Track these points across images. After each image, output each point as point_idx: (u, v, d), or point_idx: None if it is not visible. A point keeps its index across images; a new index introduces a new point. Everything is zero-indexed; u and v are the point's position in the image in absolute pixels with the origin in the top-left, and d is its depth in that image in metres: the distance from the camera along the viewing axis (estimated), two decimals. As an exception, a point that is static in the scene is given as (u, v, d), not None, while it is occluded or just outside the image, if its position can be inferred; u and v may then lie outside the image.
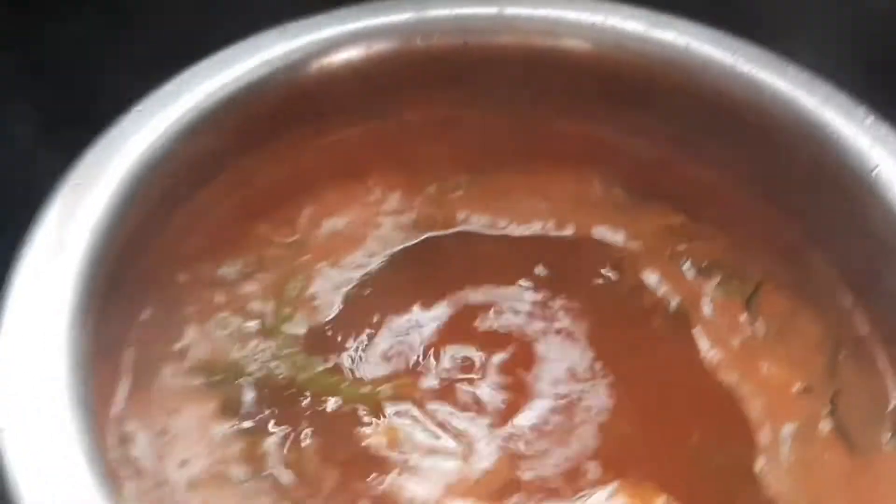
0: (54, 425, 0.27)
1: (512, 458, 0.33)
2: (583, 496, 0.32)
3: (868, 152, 0.35)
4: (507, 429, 0.34)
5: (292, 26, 0.38)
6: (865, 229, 0.35)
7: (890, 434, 0.34)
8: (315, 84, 0.38)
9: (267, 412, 0.34)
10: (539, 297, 0.38)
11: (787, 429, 0.34)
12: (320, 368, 0.35)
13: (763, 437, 0.34)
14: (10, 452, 0.27)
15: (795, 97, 0.36)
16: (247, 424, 0.33)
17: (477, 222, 0.40)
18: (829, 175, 0.36)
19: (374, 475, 0.32)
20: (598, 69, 0.40)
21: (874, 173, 0.35)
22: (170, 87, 0.35)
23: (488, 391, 0.35)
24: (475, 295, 0.38)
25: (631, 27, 0.39)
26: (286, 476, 0.32)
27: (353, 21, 0.38)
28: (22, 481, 0.26)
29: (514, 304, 0.38)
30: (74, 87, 0.42)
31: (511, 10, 0.39)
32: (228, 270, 0.37)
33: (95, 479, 0.26)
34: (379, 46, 0.39)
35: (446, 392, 0.35)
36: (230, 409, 0.33)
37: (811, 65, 0.37)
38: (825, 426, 0.34)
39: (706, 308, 0.37)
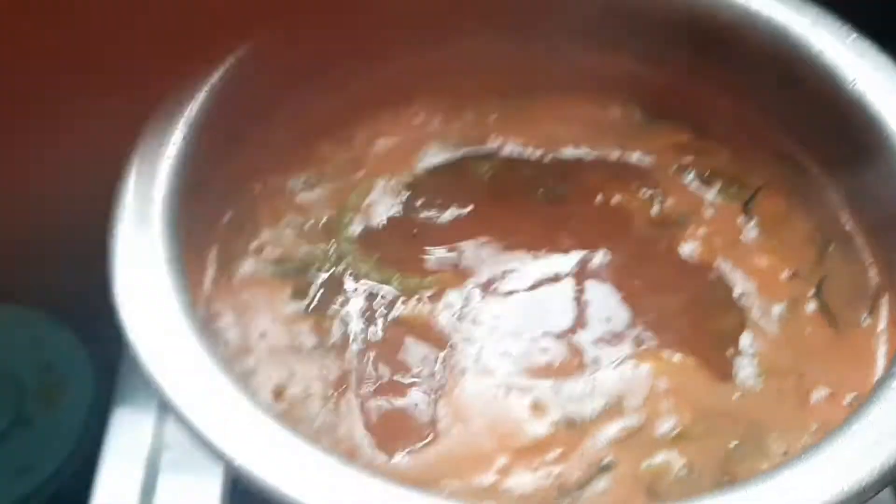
0: (159, 300, 0.33)
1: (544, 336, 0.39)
2: (614, 362, 0.38)
3: (850, 66, 0.40)
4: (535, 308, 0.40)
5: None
6: (849, 135, 0.40)
7: (867, 313, 0.39)
8: (366, 19, 0.44)
9: (331, 296, 0.40)
10: (559, 209, 0.43)
11: (776, 306, 0.39)
12: (375, 261, 0.41)
13: (753, 312, 0.39)
14: (129, 323, 0.33)
15: (788, 21, 0.41)
16: (314, 305, 0.39)
17: (508, 144, 0.46)
18: (817, 88, 0.41)
19: (418, 342, 0.38)
20: (618, 3, 0.45)
21: (855, 84, 0.39)
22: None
23: (522, 283, 0.41)
24: (505, 205, 0.44)
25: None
26: (346, 344, 0.38)
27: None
28: (140, 344, 0.32)
29: (538, 216, 0.43)
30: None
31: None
32: (295, 182, 0.43)
33: (196, 336, 0.32)
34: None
35: (486, 285, 0.41)
36: (300, 293, 0.40)
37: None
38: (810, 306, 0.40)
39: (707, 211, 0.43)
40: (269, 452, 0.30)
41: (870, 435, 0.30)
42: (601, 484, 0.35)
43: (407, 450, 0.36)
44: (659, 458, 0.36)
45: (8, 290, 0.58)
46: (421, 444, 0.36)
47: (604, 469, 0.35)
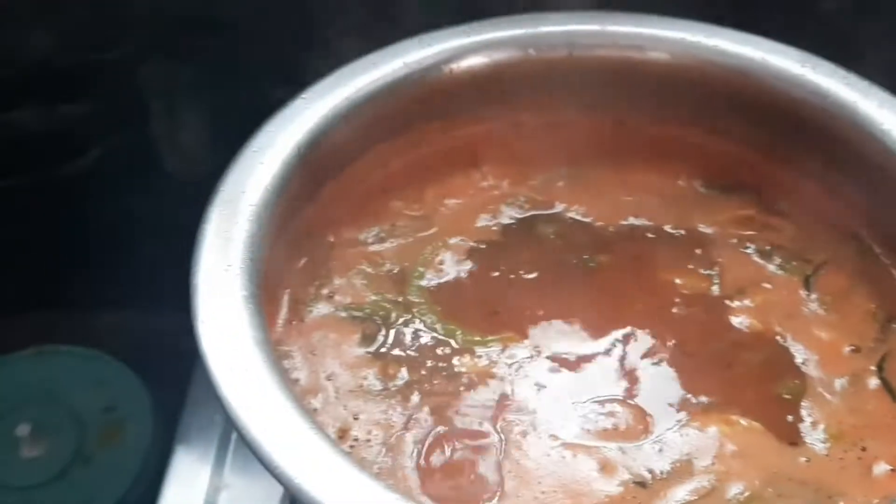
0: (237, 334, 0.35)
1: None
2: (680, 425, 0.39)
3: (917, 149, 0.41)
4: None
5: (427, 36, 0.46)
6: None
7: (931, 392, 0.39)
8: (443, 86, 0.46)
9: (397, 344, 0.41)
10: (620, 279, 0.44)
11: (838, 379, 0.40)
12: (440, 315, 0.42)
13: (815, 381, 0.40)
14: (208, 352, 0.34)
15: (854, 101, 0.42)
16: (382, 350, 0.40)
17: (574, 211, 0.47)
18: (883, 167, 0.41)
19: (469, 394, 0.39)
20: (686, 78, 0.46)
21: (920, 165, 0.40)
22: (328, 81, 0.43)
23: (583, 351, 0.41)
24: (567, 272, 0.45)
25: (713, 42, 0.45)
26: (410, 392, 0.39)
27: (478, 34, 0.46)
28: (217, 372, 0.33)
29: (599, 284, 0.44)
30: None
31: (611, 27, 0.46)
32: (367, 235, 0.45)
33: (270, 371, 0.34)
34: (498, 55, 0.46)
35: (546, 351, 0.41)
36: (368, 338, 0.41)
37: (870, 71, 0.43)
38: (872, 381, 0.40)
39: (767, 284, 0.43)
40: (337, 486, 0.30)
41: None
42: None
43: None
44: (731, 520, 0.35)
45: (75, 332, 0.61)
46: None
47: (676, 531, 0.35)
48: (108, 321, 0.63)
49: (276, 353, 0.39)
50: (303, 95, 0.43)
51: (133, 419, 0.57)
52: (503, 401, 0.39)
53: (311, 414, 0.37)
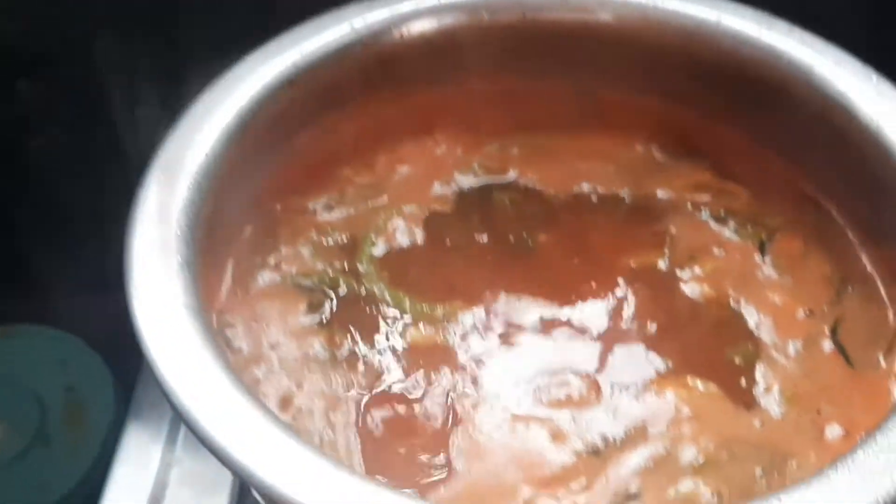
0: (173, 312, 0.33)
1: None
2: (635, 391, 0.38)
3: (873, 109, 0.40)
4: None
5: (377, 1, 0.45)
6: (869, 177, 0.40)
7: (884, 355, 0.38)
8: (393, 52, 0.45)
9: (345, 313, 0.40)
10: (574, 246, 0.43)
11: (792, 342, 0.39)
12: (390, 284, 0.41)
13: (769, 345, 0.39)
14: (139, 319, 0.33)
15: (811, 61, 0.41)
16: (327, 320, 0.40)
17: (528, 179, 0.46)
18: (838, 129, 0.41)
19: (416, 364, 0.39)
20: (641, 43, 0.45)
21: (878, 127, 0.39)
22: (272, 46, 0.42)
23: (535, 321, 0.41)
24: (522, 240, 0.44)
25: (666, 4, 0.44)
26: (356, 360, 0.38)
27: (428, -2, 0.45)
28: (148, 339, 0.33)
29: (553, 252, 0.43)
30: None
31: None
32: (316, 203, 0.44)
33: (206, 348, 0.32)
34: (450, 19, 0.45)
35: (499, 320, 0.41)
36: (314, 307, 0.40)
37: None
38: (826, 345, 0.39)
39: (721, 249, 0.43)
40: (275, 460, 0.29)
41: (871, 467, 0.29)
42: None
43: (421, 483, 0.35)
44: (685, 485, 0.35)
45: (36, 313, 0.60)
46: (435, 479, 0.35)
47: (630, 498, 0.35)
48: (69, 301, 0.62)
49: (218, 322, 0.38)
50: (246, 60, 0.42)
51: (94, 399, 0.56)
52: (452, 372, 0.38)
53: (252, 383, 0.37)
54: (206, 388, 0.30)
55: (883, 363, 0.38)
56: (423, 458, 0.36)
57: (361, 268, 0.42)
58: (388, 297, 0.41)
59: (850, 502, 0.28)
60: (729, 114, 0.45)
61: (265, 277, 0.41)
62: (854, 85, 0.40)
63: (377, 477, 0.35)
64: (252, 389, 0.36)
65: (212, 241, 0.38)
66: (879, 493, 0.28)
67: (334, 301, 0.40)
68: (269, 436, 0.30)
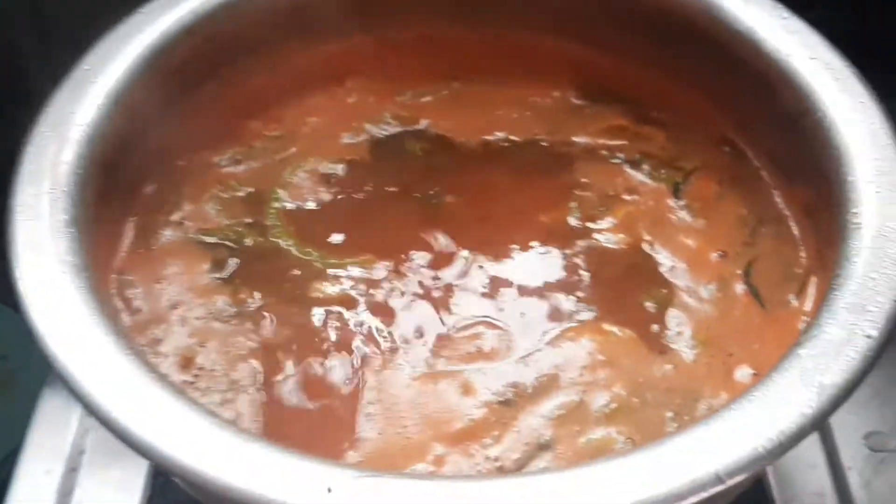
0: (55, 271, 0.32)
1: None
2: (548, 338, 0.38)
3: (782, 45, 0.39)
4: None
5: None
6: (783, 116, 0.39)
7: (796, 294, 0.38)
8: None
9: (250, 270, 0.39)
10: (487, 195, 0.43)
11: (705, 285, 0.39)
12: (297, 239, 0.40)
13: (682, 289, 0.39)
14: (20, 278, 0.32)
15: (720, 0, 0.41)
16: (232, 276, 0.39)
17: (440, 127, 0.45)
18: (751, 69, 0.40)
19: (324, 321, 0.38)
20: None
21: (789, 62, 0.39)
22: (169, -6, 0.41)
23: (447, 271, 0.40)
24: (434, 188, 0.43)
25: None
26: (261, 318, 0.37)
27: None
28: (31, 308, 0.31)
29: (464, 201, 0.42)
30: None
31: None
32: (222, 158, 0.43)
33: (88, 308, 0.31)
34: (357, -36, 0.44)
35: (410, 271, 0.40)
36: (219, 264, 0.39)
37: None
38: (739, 286, 0.39)
39: (635, 193, 0.42)
40: (155, 421, 0.28)
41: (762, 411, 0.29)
42: (541, 463, 0.34)
43: (327, 446, 0.34)
44: (598, 433, 0.35)
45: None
46: (342, 442, 0.34)
47: (543, 448, 0.34)
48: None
49: (119, 282, 0.37)
50: (142, 10, 0.40)
51: (25, 368, 0.55)
52: (360, 328, 0.38)
53: (151, 344, 0.36)
54: (89, 351, 0.29)
55: (794, 302, 0.38)
56: (330, 419, 0.35)
57: (269, 222, 0.41)
58: (296, 253, 0.40)
59: (737, 443, 0.28)
60: (645, 56, 0.44)
61: (168, 235, 0.40)
62: (763, 21, 0.40)
63: (279, 440, 0.34)
64: (148, 350, 0.35)
65: (107, 199, 0.37)
66: (772, 432, 0.28)
67: (240, 257, 0.39)
68: (151, 398, 0.29)
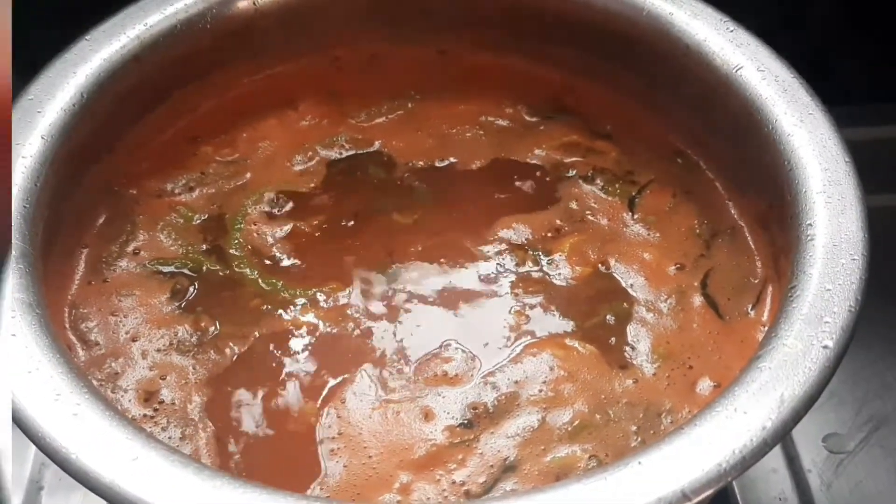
0: (3, 309, 0.31)
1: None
2: (510, 356, 0.38)
3: (730, 57, 0.40)
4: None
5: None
6: (735, 128, 0.40)
7: (753, 304, 0.39)
8: (247, 21, 0.43)
9: (209, 298, 0.39)
10: (444, 217, 0.42)
11: (664, 299, 0.39)
12: (259, 268, 0.40)
13: (642, 304, 0.39)
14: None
15: (670, 13, 0.41)
16: (190, 305, 0.38)
17: (394, 148, 0.45)
18: (701, 81, 0.41)
19: (289, 350, 0.38)
20: (504, 3, 0.44)
21: (736, 75, 0.39)
22: (116, 20, 0.40)
23: (407, 298, 0.40)
24: (392, 211, 0.43)
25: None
26: (224, 347, 0.37)
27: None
28: None
29: (422, 225, 0.42)
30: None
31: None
32: (174, 185, 0.42)
33: (39, 347, 0.30)
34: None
35: (364, 293, 0.40)
36: (178, 293, 0.38)
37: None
38: (697, 298, 0.39)
39: (589, 209, 0.42)
40: (110, 461, 0.28)
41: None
42: (508, 485, 0.34)
43: (292, 483, 0.34)
44: (563, 451, 0.35)
45: None
46: (307, 477, 0.34)
47: (508, 469, 0.34)
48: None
49: (72, 315, 0.36)
50: (86, 37, 0.39)
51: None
52: (326, 356, 0.37)
53: (108, 378, 0.35)
54: (39, 389, 0.29)
55: (751, 313, 0.38)
56: (293, 451, 0.35)
57: (232, 250, 0.40)
58: (261, 283, 0.39)
59: (701, 459, 0.28)
60: (594, 70, 0.45)
61: (123, 265, 0.39)
62: (711, 35, 0.40)
63: (242, 474, 0.33)
64: (107, 385, 0.35)
65: (57, 231, 0.36)
66: (736, 446, 0.28)
67: (199, 285, 0.39)
68: (105, 438, 0.28)
